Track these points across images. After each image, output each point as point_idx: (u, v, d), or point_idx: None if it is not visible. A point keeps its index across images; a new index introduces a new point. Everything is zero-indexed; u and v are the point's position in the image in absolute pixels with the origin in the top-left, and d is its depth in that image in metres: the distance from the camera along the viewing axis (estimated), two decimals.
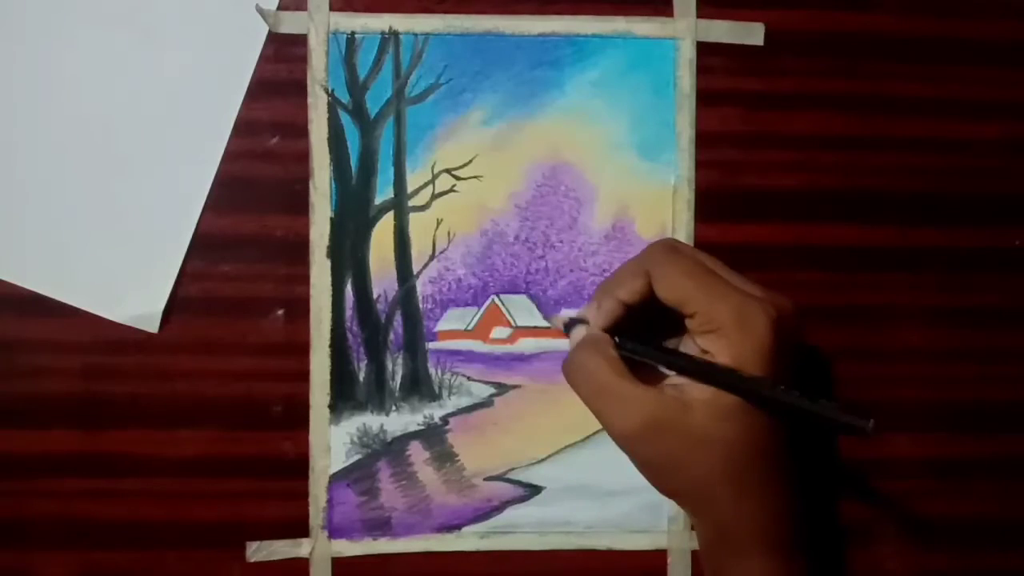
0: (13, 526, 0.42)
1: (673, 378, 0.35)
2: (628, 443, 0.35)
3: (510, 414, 0.43)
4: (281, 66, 0.42)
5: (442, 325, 0.43)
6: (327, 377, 0.42)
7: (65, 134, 0.42)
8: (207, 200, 0.42)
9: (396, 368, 0.43)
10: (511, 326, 0.43)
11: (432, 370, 0.43)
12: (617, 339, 0.36)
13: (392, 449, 0.43)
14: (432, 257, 0.43)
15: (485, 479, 0.43)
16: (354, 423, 0.43)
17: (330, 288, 0.43)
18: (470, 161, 0.43)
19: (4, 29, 0.42)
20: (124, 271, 0.42)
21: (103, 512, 0.42)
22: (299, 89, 0.42)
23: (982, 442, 0.45)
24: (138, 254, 0.42)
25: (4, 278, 0.42)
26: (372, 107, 0.43)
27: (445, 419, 0.43)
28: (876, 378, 0.44)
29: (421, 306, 0.43)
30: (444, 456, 0.43)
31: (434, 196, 0.43)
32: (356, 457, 0.43)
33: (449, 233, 0.43)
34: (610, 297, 0.36)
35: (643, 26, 0.43)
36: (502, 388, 0.43)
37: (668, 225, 0.43)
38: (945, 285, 0.44)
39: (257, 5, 0.42)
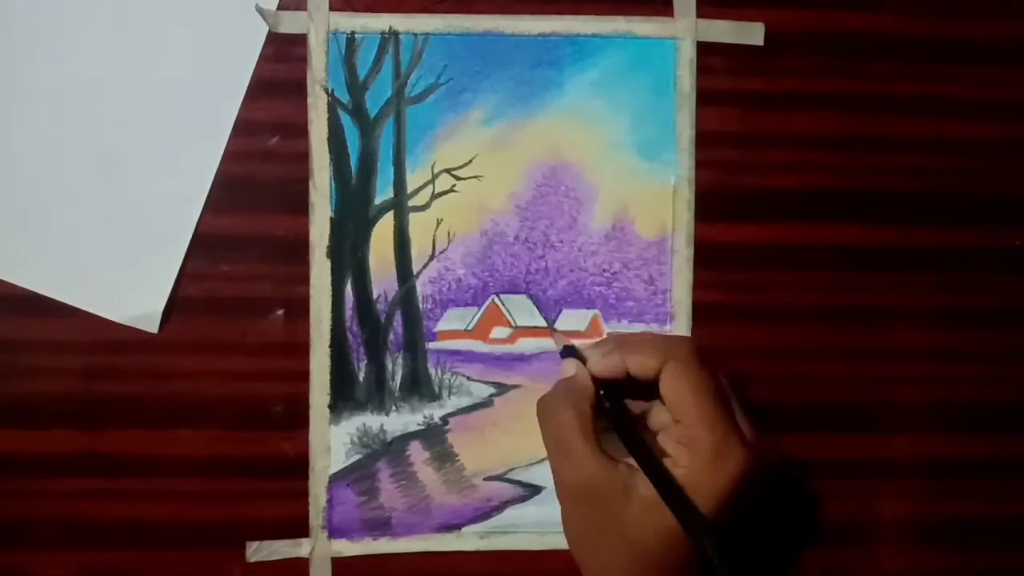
0: (14, 526, 0.42)
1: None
2: (564, 500, 0.36)
3: (510, 414, 0.43)
4: (281, 66, 0.42)
5: (442, 325, 0.43)
6: (327, 377, 0.42)
7: (65, 134, 0.42)
8: (207, 200, 0.42)
9: (396, 368, 0.43)
10: (511, 326, 0.43)
11: (432, 370, 0.43)
12: (602, 391, 0.36)
13: (392, 449, 0.43)
14: (432, 257, 0.43)
15: (485, 479, 0.43)
16: (354, 423, 0.43)
17: (330, 288, 0.43)
18: (470, 161, 0.43)
19: (4, 29, 0.42)
20: (124, 271, 0.42)
21: (103, 512, 0.42)
22: (299, 89, 0.42)
23: (982, 442, 0.45)
24: (138, 254, 0.42)
25: (4, 278, 0.42)
26: (372, 107, 0.43)
27: (445, 419, 0.43)
28: (876, 378, 0.44)
29: (421, 306, 0.43)
30: (444, 456, 0.43)
31: (434, 196, 0.43)
32: (356, 457, 0.43)
33: (449, 233, 0.43)
34: (619, 356, 0.36)
35: (643, 26, 0.43)
36: (502, 388, 0.43)
37: (668, 225, 0.43)
38: (945, 285, 0.44)
39: (257, 5, 0.42)
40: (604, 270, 0.43)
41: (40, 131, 0.42)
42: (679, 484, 0.34)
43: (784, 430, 0.44)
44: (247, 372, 0.42)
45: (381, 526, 0.43)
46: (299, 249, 0.42)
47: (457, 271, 0.43)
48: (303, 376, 0.42)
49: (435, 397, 0.43)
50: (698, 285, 0.43)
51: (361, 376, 0.43)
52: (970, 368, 0.45)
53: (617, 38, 0.43)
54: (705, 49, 0.43)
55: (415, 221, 0.43)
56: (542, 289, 0.43)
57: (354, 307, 0.43)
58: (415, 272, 0.43)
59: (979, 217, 0.45)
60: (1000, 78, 0.45)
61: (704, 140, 0.43)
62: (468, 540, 0.43)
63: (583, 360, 0.38)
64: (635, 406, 0.38)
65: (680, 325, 0.43)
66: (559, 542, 0.43)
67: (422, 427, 0.43)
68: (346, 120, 0.43)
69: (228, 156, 0.42)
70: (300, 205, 0.42)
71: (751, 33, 0.43)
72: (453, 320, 0.43)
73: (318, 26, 0.42)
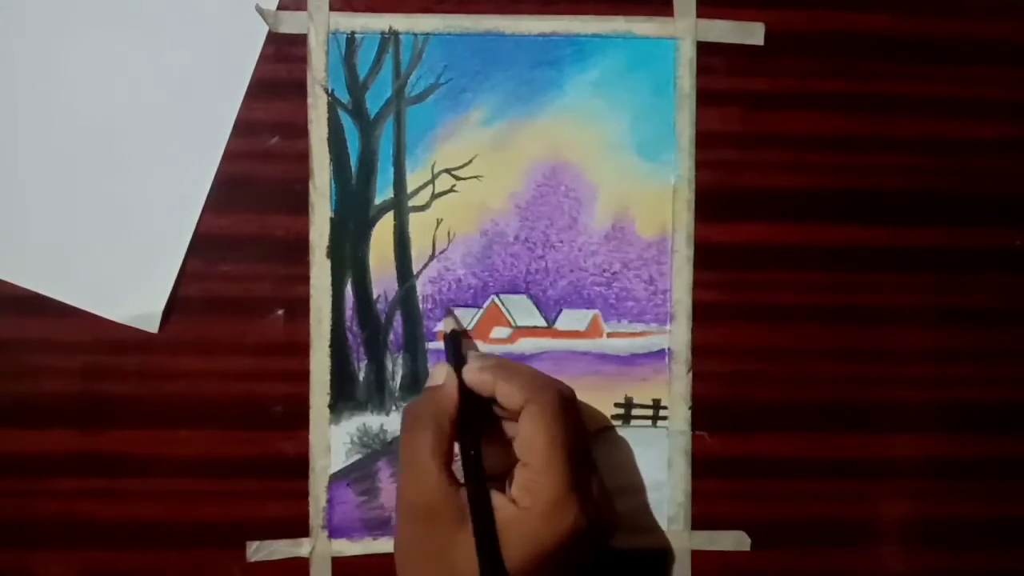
0: (13, 526, 0.42)
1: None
2: (401, 513, 0.36)
3: None
4: (281, 66, 0.42)
5: (442, 325, 0.43)
6: (327, 377, 0.42)
7: (65, 134, 0.42)
8: (207, 200, 0.42)
9: (396, 368, 0.43)
10: (511, 326, 0.43)
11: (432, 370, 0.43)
12: (462, 407, 0.37)
13: (392, 449, 0.43)
14: (432, 257, 0.43)
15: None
16: (354, 423, 0.43)
17: (330, 288, 0.43)
18: (470, 161, 0.43)
19: (4, 29, 0.42)
20: (124, 271, 0.42)
21: (103, 512, 0.42)
22: (299, 89, 0.42)
23: (982, 442, 0.45)
24: (138, 254, 0.42)
25: (4, 278, 0.42)
26: (372, 107, 0.43)
27: None
28: (876, 378, 0.44)
29: (421, 306, 0.43)
30: None
31: (434, 196, 0.43)
32: (356, 457, 0.43)
33: (449, 233, 0.43)
34: (491, 378, 0.36)
35: (643, 26, 0.43)
36: None
37: (668, 225, 0.43)
38: (944, 285, 0.44)
39: (257, 5, 0.42)
40: (604, 270, 0.43)
41: (40, 131, 0.42)
42: (497, 528, 0.34)
43: (784, 430, 0.44)
44: (247, 372, 0.42)
45: (381, 526, 0.43)
46: (299, 249, 0.42)
47: (457, 271, 0.43)
48: (303, 376, 0.42)
49: None
50: (698, 285, 0.43)
51: (361, 376, 0.43)
52: (970, 368, 0.45)
53: (617, 38, 0.43)
54: (705, 49, 0.43)
55: (415, 221, 0.43)
56: (542, 289, 0.43)
57: (354, 307, 0.43)
58: (415, 272, 0.43)
59: (978, 217, 0.45)
60: (1000, 78, 0.45)
61: (704, 140, 0.43)
62: None
63: (462, 360, 0.38)
64: (510, 428, 0.38)
65: (680, 325, 0.43)
66: None
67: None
68: (346, 120, 0.43)
69: (228, 156, 0.42)
70: (300, 205, 0.42)
71: (751, 33, 0.43)
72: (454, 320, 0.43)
73: (318, 26, 0.42)
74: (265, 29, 0.42)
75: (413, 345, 0.43)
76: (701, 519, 0.44)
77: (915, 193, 0.44)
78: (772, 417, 0.44)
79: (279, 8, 0.42)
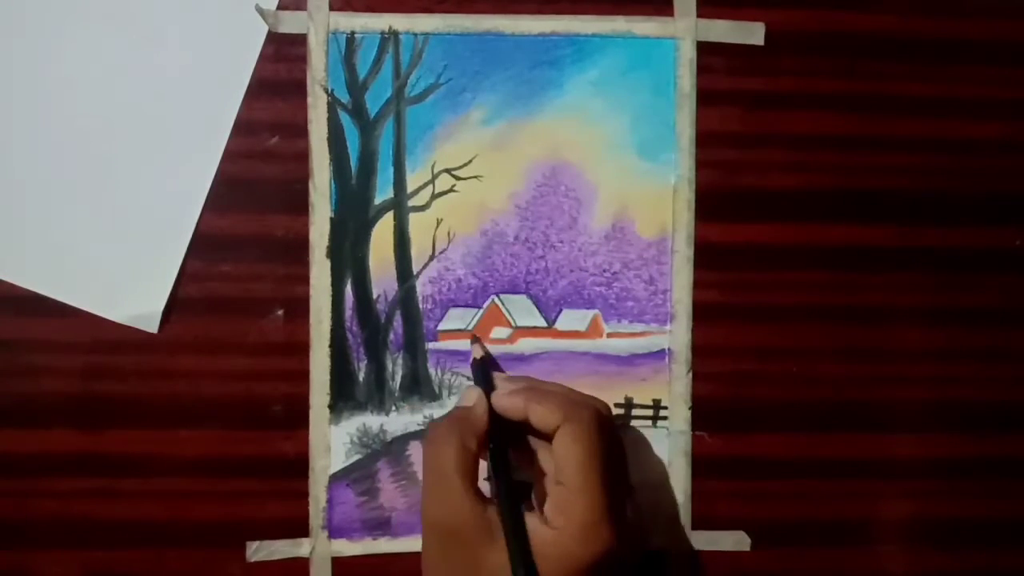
0: (13, 526, 0.42)
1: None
2: (427, 530, 0.36)
3: None
4: (281, 66, 0.42)
5: (442, 325, 0.43)
6: (327, 377, 0.42)
7: (65, 134, 0.42)
8: (207, 200, 0.42)
9: (396, 368, 0.43)
10: (511, 326, 0.43)
11: (432, 370, 0.43)
12: (495, 429, 0.36)
13: (392, 449, 0.43)
14: (432, 257, 0.43)
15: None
16: (354, 423, 0.43)
17: (330, 288, 0.43)
18: (470, 161, 0.43)
19: (4, 29, 0.42)
20: (124, 271, 0.42)
21: (103, 512, 0.42)
22: (299, 89, 0.42)
23: (982, 442, 0.45)
24: (138, 254, 0.42)
25: (4, 278, 0.42)
26: (372, 107, 0.43)
27: None
28: (876, 378, 0.44)
29: (421, 306, 0.43)
30: None
31: (434, 196, 0.43)
32: (356, 457, 0.43)
33: (449, 233, 0.43)
34: (523, 401, 0.36)
35: (643, 26, 0.43)
36: None
37: (668, 225, 0.43)
38: (945, 285, 0.44)
39: (257, 5, 0.42)
40: (604, 270, 0.43)
41: (40, 131, 0.42)
42: (530, 548, 0.34)
43: (784, 430, 0.44)
44: (247, 372, 0.42)
45: (381, 526, 0.43)
46: (299, 249, 0.42)
47: (457, 271, 0.43)
48: (303, 376, 0.42)
49: (435, 397, 0.43)
50: (698, 285, 0.43)
51: (361, 376, 0.43)
52: (970, 368, 0.45)
53: (617, 38, 0.43)
54: (705, 49, 0.43)
55: (415, 221, 0.43)
56: (542, 289, 0.43)
57: (354, 307, 0.43)
58: (415, 272, 0.43)
59: (979, 217, 0.45)
60: (1000, 78, 0.45)
61: (704, 140, 0.43)
62: None
63: (491, 386, 0.38)
64: (536, 443, 0.38)
65: (680, 325, 0.43)
66: None
67: (422, 427, 0.43)
68: (346, 120, 0.43)
69: (228, 156, 0.42)
70: (300, 205, 0.42)
71: (751, 33, 0.43)
72: (453, 320, 0.43)
73: (318, 26, 0.42)
74: (265, 29, 0.42)
75: (413, 345, 0.43)
76: (701, 519, 0.44)
77: (915, 193, 0.44)
78: (772, 417, 0.44)
79: (279, 8, 0.42)
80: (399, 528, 0.43)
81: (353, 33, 0.42)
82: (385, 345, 0.43)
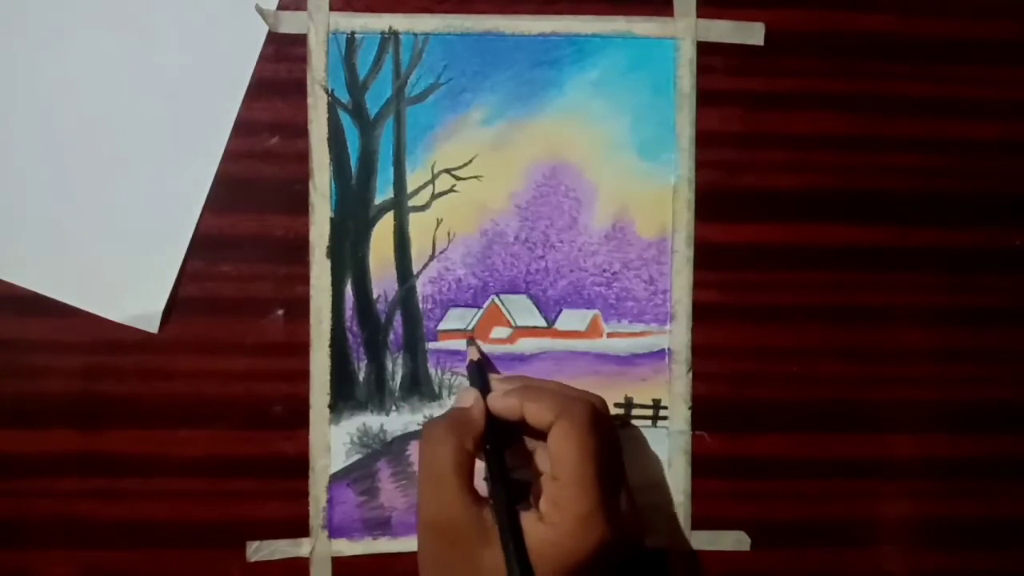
0: (13, 526, 0.42)
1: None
2: (423, 530, 0.36)
3: None
4: (281, 66, 0.42)
5: (442, 325, 0.43)
6: (327, 377, 0.42)
7: (65, 134, 0.42)
8: (207, 200, 0.42)
9: (396, 368, 0.43)
10: (511, 326, 0.43)
11: (432, 370, 0.43)
12: (492, 427, 0.37)
13: (392, 449, 0.43)
14: (432, 257, 0.43)
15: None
16: (354, 423, 0.43)
17: (330, 288, 0.43)
18: (470, 161, 0.43)
19: (4, 29, 0.42)
20: (124, 271, 0.42)
21: (103, 512, 0.42)
22: (299, 89, 0.42)
23: (982, 442, 0.45)
24: (138, 254, 0.42)
25: (4, 278, 0.42)
26: (372, 107, 0.43)
27: None
28: (876, 378, 0.44)
29: (421, 306, 0.43)
30: None
31: (434, 196, 0.43)
32: (356, 457, 0.43)
33: (449, 233, 0.43)
34: (517, 400, 0.37)
35: (643, 26, 0.43)
36: None
37: (668, 225, 0.43)
38: (945, 285, 0.44)
39: (257, 5, 0.42)
40: (604, 270, 0.43)
41: (40, 131, 0.42)
42: (527, 546, 0.34)
43: (784, 430, 0.44)
44: (247, 372, 0.42)
45: (381, 526, 0.43)
46: (299, 249, 0.42)
47: (457, 271, 0.43)
48: (303, 376, 0.42)
49: (435, 397, 0.43)
50: (698, 285, 0.43)
51: (361, 376, 0.43)
52: (970, 368, 0.45)
53: (617, 38, 0.43)
54: (705, 49, 0.43)
55: (415, 221, 0.43)
56: (542, 289, 0.43)
57: (354, 307, 0.43)
58: (415, 272, 0.43)
59: (979, 217, 0.45)
60: (1000, 78, 0.45)
61: (704, 140, 0.43)
62: None
63: (487, 387, 0.38)
64: (533, 443, 0.38)
65: (680, 325, 0.43)
66: None
67: (422, 427, 0.43)
68: (346, 120, 0.43)
69: (228, 156, 0.42)
70: (300, 205, 0.42)
71: (751, 33, 0.43)
72: (453, 320, 0.43)
73: (318, 26, 0.42)
74: (265, 29, 0.42)
75: (413, 345, 0.43)
76: (701, 519, 0.44)
77: (915, 193, 0.44)
78: (772, 417, 0.44)
79: (279, 8, 0.42)
80: (399, 528, 0.43)
81: (353, 33, 0.42)
82: (385, 345, 0.43)
